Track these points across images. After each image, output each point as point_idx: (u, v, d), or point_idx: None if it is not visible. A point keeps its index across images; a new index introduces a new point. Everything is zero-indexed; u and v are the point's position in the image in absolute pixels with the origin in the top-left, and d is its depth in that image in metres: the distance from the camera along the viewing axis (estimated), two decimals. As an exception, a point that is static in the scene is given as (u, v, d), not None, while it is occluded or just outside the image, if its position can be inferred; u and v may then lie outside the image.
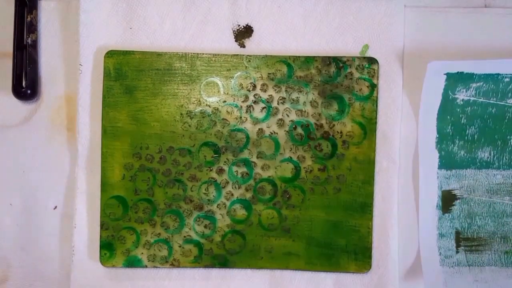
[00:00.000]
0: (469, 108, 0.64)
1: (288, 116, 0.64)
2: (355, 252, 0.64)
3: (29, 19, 0.66)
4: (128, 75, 0.65)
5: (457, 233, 0.64)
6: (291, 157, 0.64)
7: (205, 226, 0.64)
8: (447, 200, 0.64)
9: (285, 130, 0.64)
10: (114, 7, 0.66)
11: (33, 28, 0.66)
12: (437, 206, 0.64)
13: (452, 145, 0.64)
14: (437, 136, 0.64)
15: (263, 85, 0.65)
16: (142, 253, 0.64)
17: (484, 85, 0.64)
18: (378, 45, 0.65)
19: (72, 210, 0.65)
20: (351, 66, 0.64)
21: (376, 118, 0.64)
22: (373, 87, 0.64)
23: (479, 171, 0.64)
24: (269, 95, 0.65)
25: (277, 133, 0.64)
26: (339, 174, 0.64)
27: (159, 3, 0.66)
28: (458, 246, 0.64)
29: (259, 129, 0.64)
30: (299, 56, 0.64)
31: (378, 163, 0.65)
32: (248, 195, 0.64)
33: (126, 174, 0.64)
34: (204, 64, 0.65)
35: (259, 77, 0.65)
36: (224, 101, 0.65)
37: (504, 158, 0.64)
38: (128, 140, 0.65)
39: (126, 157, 0.65)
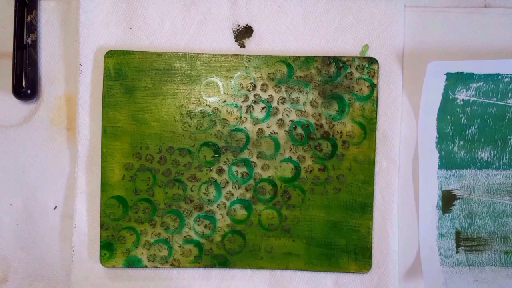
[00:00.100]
0: (469, 108, 0.64)
1: (288, 116, 0.64)
2: (355, 252, 0.64)
3: (29, 19, 0.66)
4: (128, 75, 0.65)
5: (457, 233, 0.64)
6: (291, 157, 0.64)
7: (205, 226, 0.64)
8: (447, 200, 0.64)
9: (285, 130, 0.64)
10: (114, 7, 0.66)
11: (33, 28, 0.66)
12: (437, 206, 0.64)
13: (452, 145, 0.64)
14: (437, 136, 0.64)
15: (263, 85, 0.65)
16: (142, 253, 0.64)
17: (484, 85, 0.64)
18: (378, 45, 0.65)
19: (72, 210, 0.65)
20: (351, 66, 0.64)
21: (376, 118, 0.64)
22: (373, 87, 0.64)
23: (479, 171, 0.64)
24: (269, 95, 0.65)
25: (277, 133, 0.64)
26: (339, 174, 0.64)
27: (159, 3, 0.66)
28: (458, 246, 0.64)
29: (259, 129, 0.64)
30: (299, 56, 0.64)
31: (378, 163, 0.65)
32: (248, 195, 0.64)
33: (126, 174, 0.64)
34: (204, 64, 0.65)
35: (259, 77, 0.65)
36: (224, 101, 0.65)
37: (504, 158, 0.64)
38: (128, 140, 0.65)
39: (126, 157, 0.65)
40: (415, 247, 0.65)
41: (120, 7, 0.66)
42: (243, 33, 0.66)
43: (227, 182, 0.65)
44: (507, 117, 0.64)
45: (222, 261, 0.64)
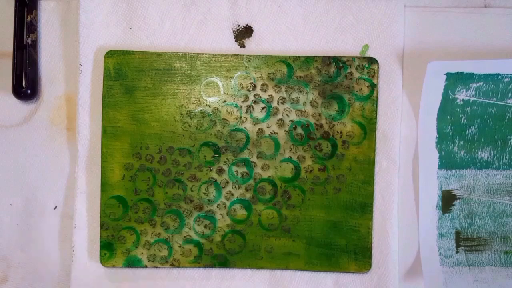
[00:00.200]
0: (469, 108, 0.64)
1: (288, 116, 0.64)
2: (355, 252, 0.64)
3: (29, 19, 0.66)
4: (128, 75, 0.65)
5: (457, 233, 0.64)
6: (291, 157, 0.64)
7: (205, 226, 0.64)
8: (447, 200, 0.64)
9: (285, 130, 0.64)
10: (114, 7, 0.66)
11: (33, 28, 0.66)
12: (437, 206, 0.64)
13: (452, 145, 0.64)
14: (437, 136, 0.64)
15: (263, 85, 0.65)
16: (142, 253, 0.64)
17: (484, 85, 0.64)
18: (378, 45, 0.65)
19: (72, 210, 0.65)
20: (351, 66, 0.64)
21: (376, 118, 0.64)
22: (373, 87, 0.64)
23: (479, 171, 0.64)
24: (269, 95, 0.65)
25: (277, 133, 0.64)
26: (339, 174, 0.64)
27: (159, 3, 0.66)
28: (458, 246, 0.64)
29: (259, 129, 0.64)
30: (299, 56, 0.64)
31: (378, 163, 0.65)
32: (248, 195, 0.64)
33: (126, 174, 0.64)
34: (204, 64, 0.65)
35: (259, 77, 0.65)
36: (224, 101, 0.65)
37: (504, 158, 0.64)
38: (128, 140, 0.65)
39: (126, 157, 0.65)
40: (415, 247, 0.65)
41: (120, 7, 0.66)
42: (243, 33, 0.66)
43: (227, 182, 0.65)
44: (507, 117, 0.64)
45: (222, 261, 0.64)
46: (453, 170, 0.64)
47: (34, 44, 0.66)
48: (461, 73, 0.64)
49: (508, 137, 0.64)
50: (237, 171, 0.64)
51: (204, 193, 0.65)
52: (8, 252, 0.66)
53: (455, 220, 0.64)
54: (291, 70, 0.64)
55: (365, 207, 0.64)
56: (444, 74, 0.64)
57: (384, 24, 0.65)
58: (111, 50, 0.65)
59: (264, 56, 0.65)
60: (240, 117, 0.65)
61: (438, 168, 0.64)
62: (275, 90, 0.65)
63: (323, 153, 0.64)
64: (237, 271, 0.65)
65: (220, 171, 0.65)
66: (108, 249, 0.64)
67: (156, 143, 0.65)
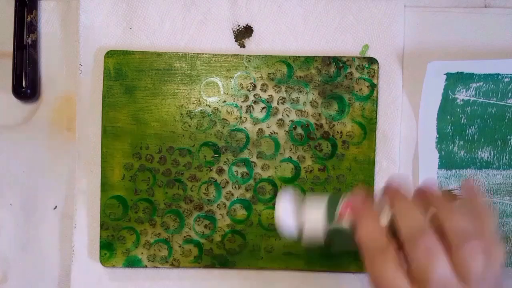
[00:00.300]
0: (469, 108, 0.64)
1: (288, 116, 0.64)
2: (355, 252, 0.64)
3: (29, 19, 0.66)
4: (128, 75, 0.65)
5: (457, 233, 0.64)
6: (291, 157, 0.64)
7: (205, 226, 0.64)
8: (447, 200, 0.64)
9: (285, 130, 0.64)
10: (114, 7, 0.66)
11: (33, 28, 0.66)
12: (437, 206, 0.64)
13: (452, 145, 0.64)
14: (437, 136, 0.64)
15: (263, 85, 0.65)
16: (142, 253, 0.64)
17: (484, 85, 0.64)
18: (378, 45, 0.65)
19: (72, 210, 0.65)
20: (351, 66, 0.64)
21: (376, 118, 0.64)
22: (373, 87, 0.64)
23: (479, 171, 0.64)
24: (269, 95, 0.65)
25: (277, 133, 0.64)
26: (339, 174, 0.64)
27: (159, 3, 0.66)
28: (458, 246, 0.64)
29: (259, 129, 0.64)
30: (299, 56, 0.64)
31: (378, 163, 0.64)
32: (248, 195, 0.64)
33: (126, 174, 0.64)
34: (204, 64, 0.65)
35: (259, 77, 0.65)
36: (224, 101, 0.65)
37: (504, 158, 0.64)
38: (128, 140, 0.65)
39: (126, 157, 0.65)
40: (415, 247, 0.65)
41: (120, 7, 0.66)
42: (243, 33, 0.66)
43: (227, 182, 0.64)
44: (507, 117, 0.64)
45: (222, 261, 0.64)
46: (453, 170, 0.64)
47: (34, 44, 0.66)
48: (461, 73, 0.64)
49: (508, 137, 0.64)
50: (237, 171, 0.64)
51: (204, 193, 0.65)
52: (8, 252, 0.66)
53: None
54: (291, 70, 0.64)
55: (365, 207, 0.64)
56: (444, 74, 0.64)
57: (384, 24, 0.65)
58: (111, 50, 0.65)
59: (264, 56, 0.65)
60: (240, 117, 0.65)
61: (438, 168, 0.64)
62: (275, 90, 0.65)
63: (323, 153, 0.64)
64: (237, 271, 0.65)
65: (220, 171, 0.65)
66: (108, 249, 0.64)
67: (156, 143, 0.65)
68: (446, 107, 0.64)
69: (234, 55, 0.65)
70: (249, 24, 0.66)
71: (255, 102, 0.65)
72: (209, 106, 0.65)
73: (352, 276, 0.65)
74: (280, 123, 0.64)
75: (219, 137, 0.64)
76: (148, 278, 0.65)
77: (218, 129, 0.65)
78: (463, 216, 0.47)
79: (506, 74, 0.64)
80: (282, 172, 0.64)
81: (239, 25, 0.66)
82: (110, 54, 0.64)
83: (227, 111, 0.65)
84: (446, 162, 0.64)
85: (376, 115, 0.64)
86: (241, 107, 0.65)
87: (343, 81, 0.64)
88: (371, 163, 0.64)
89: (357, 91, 0.64)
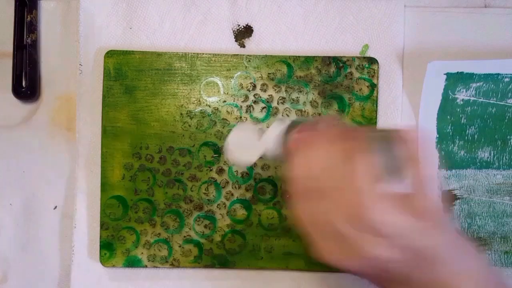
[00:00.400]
0: (469, 108, 0.64)
1: (288, 116, 0.64)
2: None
3: (29, 19, 0.66)
4: (128, 75, 0.65)
5: (457, 233, 0.64)
6: (291, 157, 0.64)
7: (205, 226, 0.64)
8: (447, 200, 0.64)
9: (285, 130, 0.64)
10: (114, 7, 0.66)
11: (33, 28, 0.66)
12: (437, 206, 0.64)
13: (452, 145, 0.64)
14: (437, 136, 0.64)
15: (263, 85, 0.65)
16: (142, 253, 0.64)
17: (484, 85, 0.64)
18: (378, 45, 0.65)
19: (72, 210, 0.65)
20: (351, 66, 0.64)
21: (376, 118, 0.64)
22: (373, 87, 0.64)
23: (479, 171, 0.64)
24: (269, 95, 0.65)
25: (277, 133, 0.64)
26: (339, 174, 0.64)
27: (159, 3, 0.66)
28: (458, 246, 0.64)
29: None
30: (299, 56, 0.64)
31: (378, 163, 0.64)
32: (248, 195, 0.64)
33: (126, 174, 0.64)
34: (204, 64, 0.65)
35: (259, 77, 0.65)
36: (224, 101, 0.65)
37: (504, 158, 0.64)
38: (128, 140, 0.65)
39: (126, 157, 0.65)
40: (415, 247, 0.65)
41: (120, 7, 0.66)
42: (243, 33, 0.66)
43: (227, 182, 0.64)
44: (507, 117, 0.64)
45: (222, 261, 0.64)
46: (453, 170, 0.64)
47: (34, 44, 0.66)
48: (461, 73, 0.64)
49: (508, 137, 0.64)
50: (237, 171, 0.64)
51: (204, 193, 0.65)
52: (8, 252, 0.66)
53: (455, 220, 0.64)
54: (291, 70, 0.64)
55: (365, 207, 0.64)
56: (444, 74, 0.64)
57: (384, 24, 0.65)
58: (111, 50, 0.65)
59: (264, 56, 0.65)
60: (240, 117, 0.65)
61: (438, 168, 0.64)
62: (275, 90, 0.65)
63: (323, 153, 0.64)
64: (237, 271, 0.65)
65: (220, 171, 0.65)
66: (108, 249, 0.64)
67: (156, 143, 0.65)
68: (446, 107, 0.64)
69: (234, 55, 0.65)
70: (249, 24, 0.66)
71: (255, 102, 0.65)
72: (209, 106, 0.65)
73: (352, 276, 0.64)
74: (280, 123, 0.64)
75: (219, 137, 0.64)
76: (148, 278, 0.65)
77: (218, 129, 0.65)
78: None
79: (506, 74, 0.64)
80: (282, 172, 0.64)
81: (239, 25, 0.66)
82: (110, 54, 0.64)
83: (227, 111, 0.65)
84: (446, 162, 0.64)
85: (376, 115, 0.64)
86: (241, 107, 0.65)
87: (343, 81, 0.64)
88: (371, 163, 0.64)
89: (357, 91, 0.64)
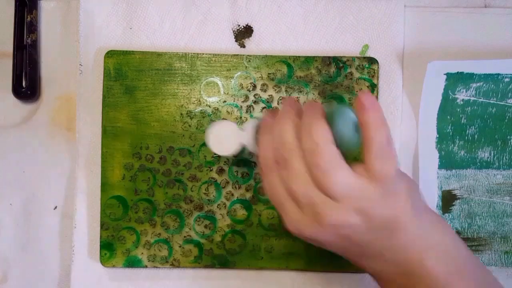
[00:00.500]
0: (469, 108, 0.64)
1: (288, 116, 0.64)
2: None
3: (29, 19, 0.66)
4: (128, 75, 0.65)
5: (457, 233, 0.64)
6: (291, 157, 0.64)
7: (205, 226, 0.64)
8: (447, 200, 0.64)
9: (285, 130, 0.64)
10: (114, 7, 0.66)
11: (33, 28, 0.66)
12: (437, 206, 0.64)
13: (452, 145, 0.64)
14: (437, 136, 0.64)
15: (263, 85, 0.65)
16: (142, 253, 0.64)
17: (484, 85, 0.64)
18: (378, 45, 0.65)
19: (72, 210, 0.65)
20: (351, 66, 0.64)
21: (376, 118, 0.64)
22: (373, 87, 0.64)
23: (479, 171, 0.64)
24: (269, 95, 0.65)
25: (277, 133, 0.64)
26: (339, 174, 0.64)
27: (159, 3, 0.66)
28: (458, 246, 0.64)
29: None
30: (299, 56, 0.64)
31: (378, 163, 0.64)
32: (248, 195, 0.64)
33: (126, 174, 0.64)
34: (204, 64, 0.65)
35: (259, 77, 0.65)
36: (224, 101, 0.65)
37: (504, 158, 0.64)
38: (128, 140, 0.65)
39: (126, 157, 0.65)
40: (415, 247, 0.65)
41: (120, 7, 0.66)
42: (243, 33, 0.66)
43: (227, 182, 0.64)
44: (507, 117, 0.64)
45: (222, 261, 0.64)
46: (453, 170, 0.64)
47: (34, 44, 0.66)
48: (461, 73, 0.64)
49: (508, 137, 0.64)
50: (237, 171, 0.64)
51: (204, 193, 0.65)
52: (8, 252, 0.66)
53: (455, 220, 0.64)
54: (291, 70, 0.64)
55: (365, 207, 0.64)
56: (444, 74, 0.64)
57: (384, 24, 0.65)
58: (111, 50, 0.65)
59: (264, 56, 0.65)
60: (240, 117, 0.65)
61: (438, 168, 0.64)
62: (275, 90, 0.65)
63: (323, 153, 0.64)
64: (237, 271, 0.65)
65: (220, 171, 0.65)
66: (108, 249, 0.64)
67: (156, 143, 0.64)
68: (446, 107, 0.64)
69: (234, 55, 0.65)
70: (249, 24, 0.66)
71: (255, 102, 0.65)
72: (209, 106, 0.65)
73: (352, 276, 0.65)
74: (280, 123, 0.64)
75: (219, 137, 0.64)
76: (148, 278, 0.65)
77: (218, 129, 0.64)
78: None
79: (506, 74, 0.64)
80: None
81: (239, 25, 0.66)
82: (110, 54, 0.64)
83: (227, 111, 0.65)
84: (446, 162, 0.64)
85: (376, 115, 0.64)
86: (241, 107, 0.65)
87: (343, 81, 0.64)
88: (371, 163, 0.64)
89: (357, 91, 0.64)
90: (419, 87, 0.64)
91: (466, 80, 0.64)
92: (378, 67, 0.64)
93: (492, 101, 0.64)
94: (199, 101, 0.65)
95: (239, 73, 0.65)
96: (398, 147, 0.64)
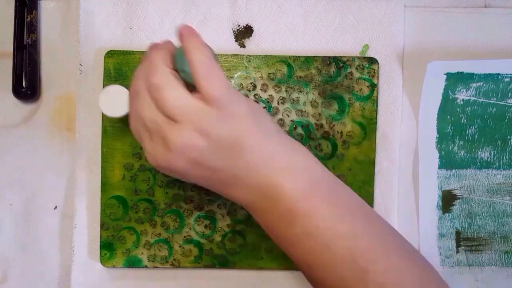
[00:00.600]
0: (469, 108, 0.64)
1: (288, 116, 0.64)
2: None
3: (29, 19, 0.66)
4: (128, 75, 0.65)
5: (457, 233, 0.64)
6: (291, 157, 0.64)
7: (206, 226, 0.64)
8: (447, 200, 0.64)
9: (285, 130, 0.64)
10: (114, 7, 0.66)
11: (33, 28, 0.66)
12: (437, 206, 0.64)
13: (452, 145, 0.64)
14: (437, 136, 0.64)
15: (263, 85, 0.65)
16: (143, 253, 0.64)
17: (484, 85, 0.64)
18: (378, 45, 0.65)
19: (72, 210, 0.65)
20: (351, 66, 0.64)
21: (376, 118, 0.64)
22: (373, 87, 0.64)
23: (479, 171, 0.64)
24: (269, 95, 0.65)
25: (277, 133, 0.64)
26: (339, 174, 0.64)
27: (159, 3, 0.66)
28: (458, 246, 0.64)
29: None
30: (299, 56, 0.64)
31: (378, 163, 0.65)
32: (248, 195, 0.64)
33: (126, 174, 0.64)
34: (204, 64, 0.65)
35: (259, 77, 0.65)
36: (224, 101, 0.65)
37: (504, 158, 0.64)
38: (128, 140, 0.65)
39: (126, 157, 0.65)
40: (416, 247, 0.65)
41: (120, 7, 0.66)
42: (243, 33, 0.66)
43: (227, 182, 0.64)
44: (507, 117, 0.64)
45: (222, 261, 0.64)
46: (453, 170, 0.64)
47: (34, 44, 0.66)
48: (461, 73, 0.64)
49: (508, 137, 0.64)
50: (237, 171, 0.64)
51: (205, 193, 0.64)
52: (8, 252, 0.66)
53: (455, 220, 0.64)
54: (291, 70, 0.64)
55: (365, 207, 0.64)
56: (444, 74, 0.64)
57: (384, 24, 0.65)
58: (111, 50, 0.65)
59: (264, 56, 0.65)
60: (240, 117, 0.64)
61: (438, 168, 0.64)
62: (275, 90, 0.65)
63: (323, 153, 0.64)
64: (237, 271, 0.65)
65: (220, 171, 0.64)
66: (108, 249, 0.64)
67: (156, 143, 0.64)
68: (446, 107, 0.64)
69: (234, 55, 0.65)
70: (249, 24, 0.66)
71: (255, 102, 0.65)
72: (209, 106, 0.65)
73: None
74: (281, 123, 0.64)
75: (219, 137, 0.64)
76: (148, 278, 0.65)
77: (218, 129, 0.64)
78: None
79: (506, 74, 0.64)
80: None
81: (239, 25, 0.66)
82: (110, 54, 0.64)
83: (227, 111, 0.65)
84: (446, 162, 0.64)
85: (376, 115, 0.64)
86: (241, 107, 0.65)
87: (343, 81, 0.64)
88: (371, 163, 0.64)
89: (357, 91, 0.64)
90: (419, 87, 0.64)
91: (466, 80, 0.64)
92: (378, 67, 0.64)
93: (492, 101, 0.64)
94: (199, 101, 0.65)
95: (239, 73, 0.65)
96: (398, 147, 0.65)
